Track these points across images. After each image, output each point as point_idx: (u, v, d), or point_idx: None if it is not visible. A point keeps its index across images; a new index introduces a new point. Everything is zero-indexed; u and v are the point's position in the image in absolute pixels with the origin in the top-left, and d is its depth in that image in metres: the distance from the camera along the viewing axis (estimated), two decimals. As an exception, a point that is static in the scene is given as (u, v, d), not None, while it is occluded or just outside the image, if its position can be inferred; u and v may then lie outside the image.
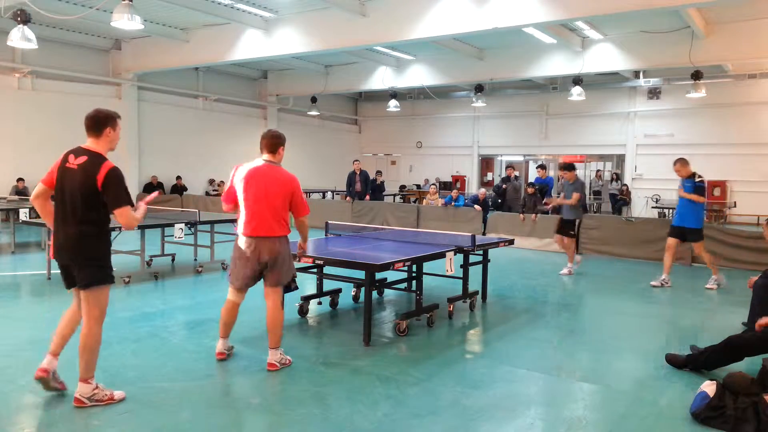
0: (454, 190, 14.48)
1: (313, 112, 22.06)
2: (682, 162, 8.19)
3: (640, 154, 20.30)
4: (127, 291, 7.18)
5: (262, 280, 4.58)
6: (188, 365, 4.57)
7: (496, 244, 7.05)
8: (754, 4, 11.99)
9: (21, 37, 10.34)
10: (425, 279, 6.11)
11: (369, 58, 17.94)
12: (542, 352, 5.27)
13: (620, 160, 21.37)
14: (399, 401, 3.96)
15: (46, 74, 15.80)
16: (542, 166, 15.02)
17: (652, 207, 18.50)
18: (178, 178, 18.98)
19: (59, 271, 3.83)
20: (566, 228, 9.27)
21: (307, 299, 6.21)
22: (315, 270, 6.21)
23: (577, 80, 16.11)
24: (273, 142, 4.61)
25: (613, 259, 10.93)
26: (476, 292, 6.75)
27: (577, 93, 16.17)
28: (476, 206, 13.39)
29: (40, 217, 9.17)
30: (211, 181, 20.15)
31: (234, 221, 4.96)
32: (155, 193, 4.34)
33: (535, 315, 6.66)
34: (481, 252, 6.58)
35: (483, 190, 15.26)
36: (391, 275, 6.67)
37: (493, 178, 23.97)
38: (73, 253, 3.66)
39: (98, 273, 3.69)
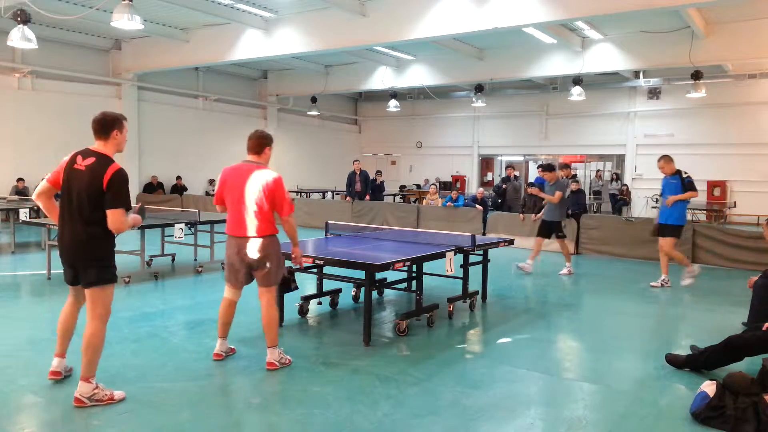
0: (454, 191, 14.49)
1: (313, 112, 22.06)
2: (666, 159, 8.10)
3: (640, 154, 20.29)
4: (127, 291, 7.17)
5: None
6: (188, 365, 4.57)
7: (496, 244, 7.05)
8: (754, 4, 11.99)
9: (21, 37, 10.34)
10: (425, 279, 6.11)
11: (369, 58, 17.94)
12: (542, 352, 5.27)
13: (620, 160, 21.38)
14: (399, 401, 3.96)
15: (46, 74, 15.80)
16: (542, 166, 15.00)
17: (652, 207, 18.46)
18: (178, 178, 18.99)
19: (63, 269, 3.88)
20: (552, 230, 9.10)
21: (307, 299, 6.20)
22: (315, 270, 6.21)
23: (577, 80, 16.12)
24: (258, 143, 4.56)
25: (613, 259, 10.93)
26: (476, 292, 6.75)
27: (577, 93, 16.18)
28: (478, 206, 13.40)
29: (40, 217, 9.24)
30: (211, 181, 20.15)
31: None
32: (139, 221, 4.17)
33: (535, 315, 6.66)
34: (481, 252, 6.58)
35: (481, 189, 15.26)
36: (391, 275, 6.66)
37: (493, 178, 23.97)
38: (79, 252, 3.72)
39: (103, 272, 3.74)
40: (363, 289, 5.65)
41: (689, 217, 16.49)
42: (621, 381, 4.58)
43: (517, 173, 15.45)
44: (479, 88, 18.16)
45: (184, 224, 8.34)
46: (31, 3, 10.18)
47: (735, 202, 18.49)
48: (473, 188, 22.57)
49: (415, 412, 3.79)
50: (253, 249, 4.42)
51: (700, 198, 18.82)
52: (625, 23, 13.95)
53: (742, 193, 18.67)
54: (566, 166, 14.05)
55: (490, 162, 24.74)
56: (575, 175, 14.10)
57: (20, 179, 14.81)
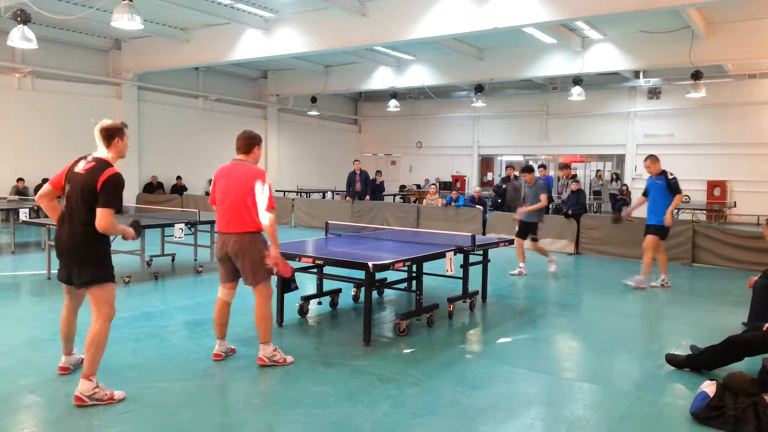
0: (454, 191, 14.48)
1: (313, 112, 22.06)
2: (652, 159, 8.11)
3: (640, 154, 20.23)
4: (127, 291, 7.18)
5: None
6: (188, 365, 4.58)
7: (496, 244, 7.05)
8: (754, 4, 11.99)
9: (21, 37, 10.34)
10: (425, 279, 6.10)
11: (369, 58, 17.93)
12: (542, 352, 5.27)
13: (620, 160, 21.38)
14: (399, 401, 3.96)
15: (46, 74, 15.80)
16: (543, 166, 15.02)
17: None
18: (178, 178, 18.98)
19: (58, 267, 3.97)
20: (528, 232, 8.98)
21: (307, 299, 6.20)
22: (315, 270, 6.21)
23: (577, 80, 16.12)
24: (246, 143, 4.63)
25: (613, 259, 10.93)
26: (476, 292, 6.75)
27: (577, 93, 16.18)
28: (478, 206, 13.39)
29: (40, 217, 9.23)
30: (211, 181, 20.16)
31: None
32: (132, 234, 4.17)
33: (535, 315, 6.66)
34: (481, 252, 6.58)
35: (477, 188, 15.25)
36: (391, 275, 6.67)
37: (493, 178, 23.97)
38: (74, 252, 3.81)
39: (100, 272, 3.82)
40: (363, 289, 5.65)
41: (689, 217, 16.61)
42: (621, 381, 4.58)
43: (516, 173, 15.42)
44: (479, 88, 18.16)
45: (184, 224, 8.35)
46: (31, 3, 10.19)
47: (735, 202, 18.48)
48: (473, 188, 22.58)
49: (415, 412, 3.79)
50: (236, 244, 4.44)
51: (700, 198, 18.86)
52: (625, 23, 13.95)
53: (742, 193, 18.67)
54: (566, 166, 14.12)
55: (490, 162, 24.73)
56: (575, 175, 14.09)
57: (20, 179, 14.81)
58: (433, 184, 18.86)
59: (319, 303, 6.51)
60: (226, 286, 4.67)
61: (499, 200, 14.45)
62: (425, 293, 6.01)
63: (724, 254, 10.10)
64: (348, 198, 15.45)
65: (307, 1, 12.87)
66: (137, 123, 17.50)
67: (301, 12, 13.53)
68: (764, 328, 4.38)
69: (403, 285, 6.75)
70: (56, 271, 4.05)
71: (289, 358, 4.66)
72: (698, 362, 4.60)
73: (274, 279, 4.91)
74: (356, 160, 15.91)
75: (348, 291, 6.81)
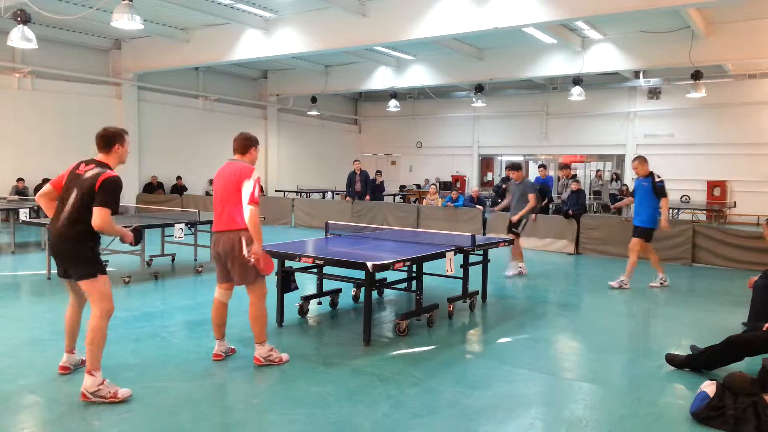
0: (454, 191, 14.48)
1: (313, 112, 22.06)
2: (641, 160, 8.09)
3: (640, 154, 20.28)
4: (127, 291, 7.18)
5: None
6: (188, 365, 4.58)
7: (496, 244, 7.05)
8: (754, 4, 11.99)
9: (21, 37, 10.33)
10: (425, 279, 6.10)
11: (369, 58, 17.93)
12: (542, 352, 5.27)
13: (620, 160, 21.35)
14: (399, 401, 3.96)
15: (46, 74, 15.79)
16: (543, 166, 15.02)
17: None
18: (178, 178, 18.98)
19: (57, 265, 4.05)
20: (513, 226, 8.79)
21: (307, 299, 6.20)
22: (315, 270, 6.21)
23: (577, 80, 16.12)
24: (243, 144, 4.64)
25: (613, 258, 10.92)
26: (476, 292, 6.75)
27: (577, 93, 16.17)
28: (478, 206, 13.39)
29: (40, 217, 9.23)
30: (211, 181, 20.16)
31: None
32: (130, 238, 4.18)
33: (535, 315, 6.65)
34: (481, 252, 6.58)
35: (475, 188, 15.23)
36: (391, 275, 6.67)
37: (493, 178, 23.97)
38: (65, 249, 3.90)
39: (90, 267, 3.91)
40: (363, 289, 5.65)
41: (689, 217, 16.61)
42: (621, 381, 4.58)
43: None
44: (479, 88, 18.16)
45: (184, 224, 8.34)
46: (31, 3, 10.18)
47: (735, 202, 18.48)
48: (472, 188, 22.59)
49: (415, 412, 3.79)
50: (226, 242, 4.45)
51: (700, 198, 18.86)
52: (625, 23, 13.95)
53: (742, 193, 18.66)
54: (566, 166, 14.11)
55: (490, 162, 24.73)
56: (575, 175, 14.09)
57: (20, 179, 14.80)
58: (433, 184, 18.86)
59: (319, 303, 6.52)
60: (222, 286, 4.69)
61: (499, 200, 14.43)
62: (425, 293, 6.01)
63: (724, 254, 10.10)
64: (348, 198, 15.45)
65: (307, 1, 12.87)
66: (137, 123, 17.50)
67: (301, 12, 13.53)
68: (764, 328, 4.38)
69: (403, 285, 6.75)
70: (56, 270, 4.10)
71: (285, 356, 4.66)
72: (698, 362, 4.61)
73: (271, 279, 4.91)
74: (356, 160, 15.91)
75: (348, 291, 6.81)
